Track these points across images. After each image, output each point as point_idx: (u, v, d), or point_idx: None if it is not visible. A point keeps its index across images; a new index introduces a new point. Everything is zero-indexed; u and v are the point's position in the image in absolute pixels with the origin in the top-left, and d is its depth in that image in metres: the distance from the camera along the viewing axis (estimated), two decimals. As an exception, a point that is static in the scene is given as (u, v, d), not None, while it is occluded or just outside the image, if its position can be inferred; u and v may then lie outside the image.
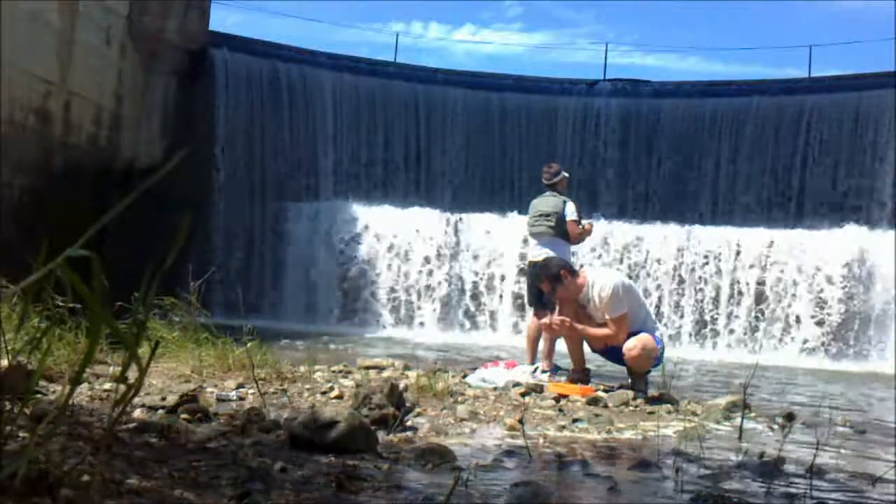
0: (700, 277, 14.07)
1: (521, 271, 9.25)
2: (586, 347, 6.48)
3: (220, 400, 4.28)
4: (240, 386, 4.70)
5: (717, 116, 17.60)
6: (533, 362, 7.23)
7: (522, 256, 9.84)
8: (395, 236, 14.74)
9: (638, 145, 17.92)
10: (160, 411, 3.61)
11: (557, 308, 6.56)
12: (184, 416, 3.47)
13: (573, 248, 8.00)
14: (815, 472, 3.20)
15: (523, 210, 8.64)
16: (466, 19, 57.59)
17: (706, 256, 14.13)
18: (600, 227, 14.79)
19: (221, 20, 42.54)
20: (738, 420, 4.65)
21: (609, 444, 4.04)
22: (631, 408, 5.37)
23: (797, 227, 15.01)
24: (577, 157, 18.09)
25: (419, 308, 14.39)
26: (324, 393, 4.78)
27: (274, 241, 15.52)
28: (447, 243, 14.66)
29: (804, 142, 16.81)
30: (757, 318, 13.67)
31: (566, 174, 8.03)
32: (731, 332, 13.74)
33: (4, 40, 10.17)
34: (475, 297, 14.46)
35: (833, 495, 3.00)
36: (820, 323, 13.31)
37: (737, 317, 13.78)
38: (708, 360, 11.95)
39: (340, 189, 16.79)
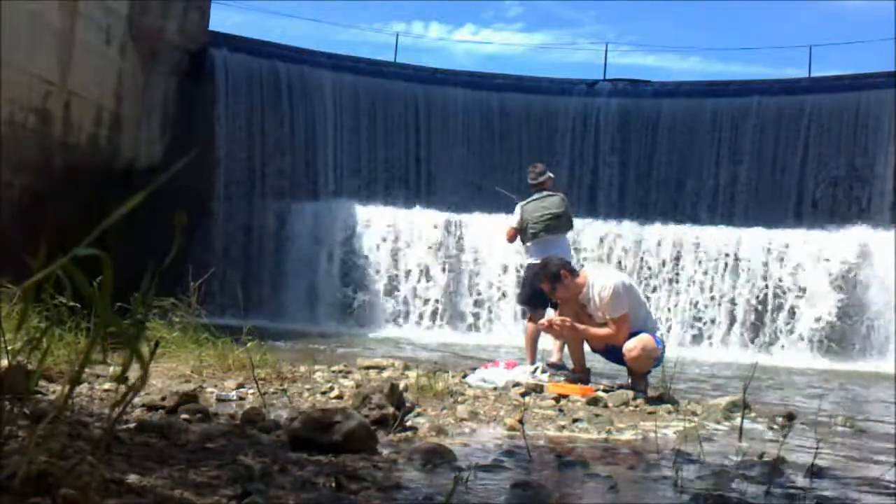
0: (700, 277, 14.07)
1: (520, 272, 9.28)
2: (586, 347, 6.48)
3: (220, 400, 4.28)
4: (240, 386, 4.70)
5: (717, 116, 17.60)
6: (533, 362, 7.23)
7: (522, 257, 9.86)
8: (395, 236, 14.74)
9: (638, 145, 17.92)
10: (160, 411, 3.61)
11: (558, 308, 6.57)
12: (184, 416, 3.47)
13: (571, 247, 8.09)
14: (815, 472, 3.20)
15: (523, 210, 8.66)
16: (467, 19, 57.62)
17: (706, 256, 14.13)
18: (600, 227, 14.83)
19: (221, 20, 42.53)
20: (738, 420, 4.65)
21: (609, 444, 4.04)
22: (631, 408, 5.37)
23: (797, 227, 15.01)
24: (577, 158, 18.10)
25: (419, 308, 14.40)
26: (324, 393, 4.78)
27: (274, 241, 15.52)
28: (447, 243, 14.67)
29: (804, 142, 16.81)
30: (757, 317, 13.67)
31: (551, 174, 8.21)
32: (731, 332, 13.74)
33: (4, 40, 10.16)
34: (475, 297, 14.46)
35: (833, 495, 3.00)
36: (820, 323, 13.31)
37: (737, 316, 13.78)
38: (708, 360, 11.94)
39: (340, 189, 16.79)
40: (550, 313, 7.10)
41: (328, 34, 62.58)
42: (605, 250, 14.41)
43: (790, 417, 5.20)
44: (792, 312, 13.51)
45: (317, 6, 46.32)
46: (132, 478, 1.96)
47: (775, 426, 4.93)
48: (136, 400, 3.58)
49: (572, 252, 8.38)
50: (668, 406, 5.44)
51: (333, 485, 2.35)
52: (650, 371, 6.11)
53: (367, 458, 2.86)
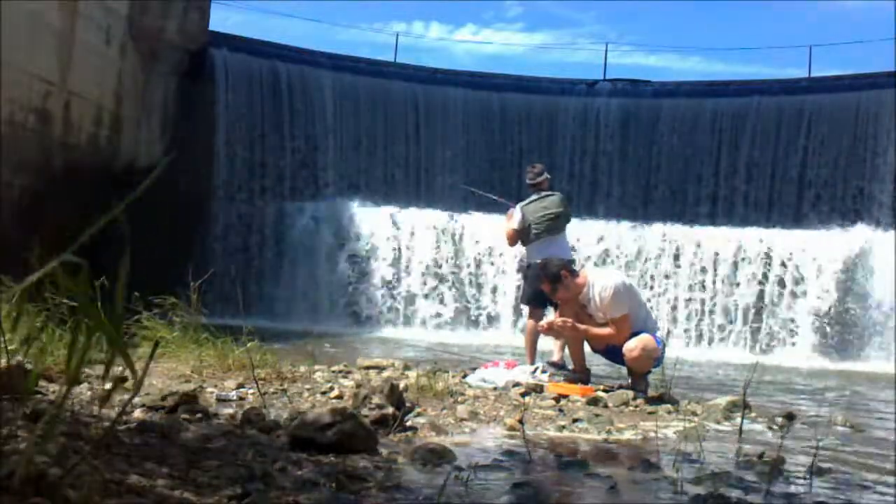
0: (699, 277, 14.06)
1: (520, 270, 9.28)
2: (586, 347, 6.48)
3: (220, 400, 4.28)
4: (240, 386, 4.69)
5: (717, 116, 17.60)
6: (533, 362, 7.23)
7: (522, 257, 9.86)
8: (394, 236, 14.74)
9: (638, 145, 17.91)
10: (160, 411, 3.61)
11: (558, 308, 6.57)
12: (184, 416, 3.47)
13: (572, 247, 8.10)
14: (815, 472, 3.20)
15: (523, 210, 8.68)
16: (467, 19, 57.63)
17: (706, 256, 14.12)
18: (600, 227, 14.82)
19: (221, 20, 42.49)
20: (738, 420, 4.65)
21: (609, 444, 4.04)
22: (631, 408, 5.37)
23: (797, 226, 15.01)
24: (577, 157, 18.10)
25: (419, 308, 14.39)
26: (324, 393, 4.78)
27: (274, 241, 15.51)
28: (447, 243, 14.66)
29: (804, 142, 16.80)
30: (757, 317, 13.67)
31: (548, 175, 8.19)
32: (731, 332, 13.74)
33: (4, 40, 10.16)
34: (475, 297, 14.46)
35: (833, 495, 3.00)
36: (820, 323, 13.31)
37: (737, 317, 13.78)
38: (707, 360, 11.94)
39: (340, 189, 16.78)
40: (551, 314, 7.10)
41: (328, 34, 62.56)
42: (604, 250, 14.40)
43: (790, 417, 5.20)
44: (792, 312, 13.50)
45: (317, 6, 46.34)
46: (132, 478, 1.96)
47: (775, 426, 4.93)
48: (136, 400, 3.58)
49: (572, 252, 8.37)
50: (668, 406, 5.44)
51: (333, 485, 2.34)
52: (650, 371, 6.11)
53: (367, 458, 2.86)
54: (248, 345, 5.14)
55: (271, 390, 4.66)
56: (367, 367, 6.43)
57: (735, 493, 2.84)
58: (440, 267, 14.53)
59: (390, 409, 3.72)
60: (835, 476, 3.38)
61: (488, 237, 14.27)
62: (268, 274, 15.31)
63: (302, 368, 5.64)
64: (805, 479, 3.15)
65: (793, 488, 3.04)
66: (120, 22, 13.80)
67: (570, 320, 6.14)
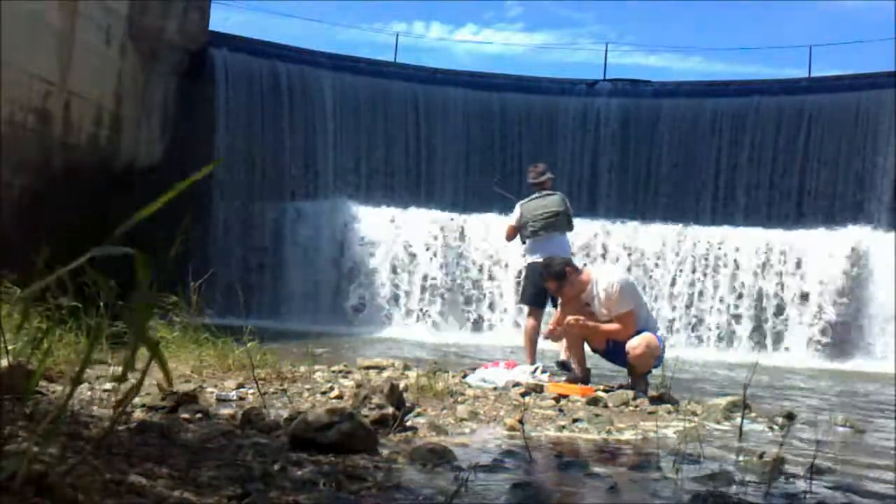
0: (699, 277, 14.07)
1: (520, 272, 9.28)
2: (586, 348, 6.48)
3: (220, 400, 4.28)
4: (240, 386, 4.69)
5: (717, 116, 17.60)
6: (533, 362, 7.23)
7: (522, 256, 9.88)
8: (395, 236, 14.74)
9: (638, 145, 17.91)
10: (160, 411, 3.61)
11: (560, 307, 6.56)
12: (184, 416, 3.47)
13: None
14: (815, 472, 3.20)
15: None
16: (468, 19, 57.61)
17: (706, 256, 14.13)
18: (599, 227, 14.82)
19: (221, 20, 42.52)
20: (738, 420, 4.65)
21: (609, 444, 4.04)
22: (631, 408, 5.37)
23: (797, 226, 15.01)
24: (577, 157, 18.10)
25: (419, 308, 14.39)
26: (324, 393, 4.78)
27: (274, 241, 15.51)
28: (447, 243, 14.66)
29: (804, 142, 16.80)
30: (757, 317, 13.67)
31: (551, 175, 8.28)
32: (731, 331, 13.74)
33: (4, 40, 10.16)
34: (475, 297, 14.46)
35: (833, 495, 3.00)
36: (820, 323, 13.31)
37: (736, 316, 13.78)
38: (708, 359, 11.94)
39: (340, 189, 16.78)
40: (551, 314, 7.10)
41: (328, 34, 62.53)
42: (604, 250, 14.41)
43: (790, 417, 5.20)
44: (792, 312, 13.51)
45: (317, 6, 46.34)
46: (132, 478, 1.96)
47: (775, 426, 4.93)
48: (136, 400, 3.58)
49: (572, 251, 8.38)
50: (668, 406, 5.44)
51: (333, 485, 2.35)
52: (650, 371, 6.11)
53: (367, 458, 2.86)
54: (249, 345, 5.15)
55: (271, 390, 4.66)
56: (367, 367, 6.43)
57: (735, 493, 2.85)
58: (440, 267, 14.53)
59: (390, 409, 3.72)
60: (835, 476, 3.38)
61: (488, 237, 14.28)
62: (268, 273, 15.31)
63: (302, 368, 5.64)
64: (805, 479, 3.15)
65: (793, 488, 3.04)
66: (120, 22, 13.80)
67: (581, 317, 6.12)
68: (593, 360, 6.68)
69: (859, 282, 13.37)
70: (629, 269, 13.85)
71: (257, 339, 5.32)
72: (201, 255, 13.41)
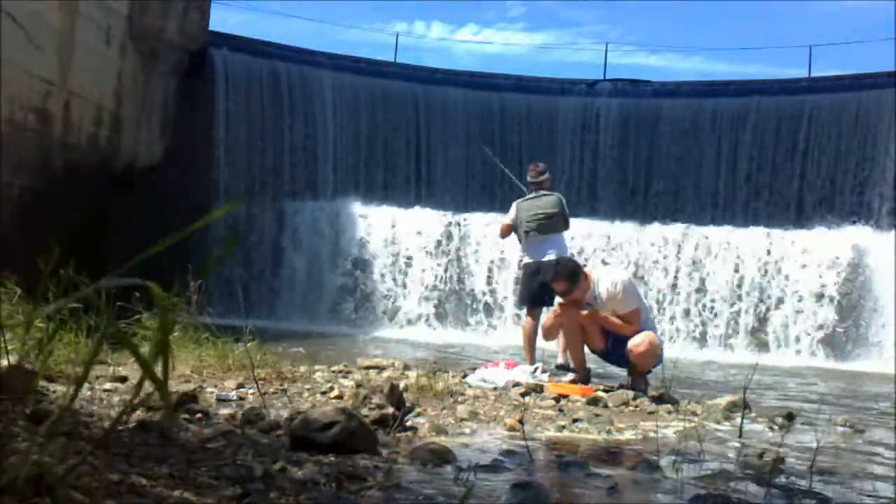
0: (700, 277, 14.06)
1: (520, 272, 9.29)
2: (586, 348, 6.47)
3: (220, 400, 4.28)
4: (240, 386, 4.69)
5: (717, 116, 17.60)
6: (533, 362, 7.23)
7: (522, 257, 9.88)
8: (395, 236, 14.74)
9: (638, 145, 17.91)
10: (160, 411, 3.60)
11: (556, 306, 6.54)
12: (184, 416, 3.47)
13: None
14: (815, 472, 3.20)
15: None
16: (469, 19, 57.63)
17: (706, 256, 14.12)
18: (600, 227, 14.82)
19: (221, 20, 42.48)
20: (738, 420, 4.65)
21: (609, 444, 4.04)
22: (631, 408, 5.37)
23: (797, 226, 15.00)
24: (577, 157, 18.10)
25: (419, 308, 14.39)
26: (324, 393, 4.78)
27: (274, 241, 15.51)
28: (447, 243, 14.66)
29: (804, 142, 16.80)
30: (757, 317, 13.66)
31: (549, 175, 8.28)
32: (731, 331, 13.74)
33: (4, 40, 10.16)
34: (475, 297, 14.46)
35: (833, 495, 3.00)
36: (820, 323, 13.30)
37: (737, 316, 13.78)
38: (708, 359, 11.94)
39: (340, 189, 16.78)
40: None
41: (328, 34, 62.53)
42: (604, 250, 14.40)
43: (790, 417, 5.20)
44: (792, 312, 13.50)
45: (317, 6, 46.28)
46: (132, 478, 1.96)
47: (775, 426, 4.93)
48: (136, 400, 3.57)
49: (570, 252, 8.39)
50: (668, 406, 5.44)
51: (334, 485, 2.35)
52: (650, 371, 6.11)
53: (367, 458, 2.86)
54: (248, 345, 5.15)
55: (271, 390, 4.66)
56: (367, 367, 6.43)
57: (735, 493, 2.85)
58: (440, 267, 14.53)
59: (390, 409, 3.72)
60: (835, 476, 3.38)
61: (489, 237, 14.28)
62: (268, 274, 15.31)
63: (302, 368, 5.64)
64: (805, 479, 3.15)
65: (793, 488, 3.04)
66: (120, 22, 13.80)
67: (590, 306, 6.10)
68: (593, 361, 6.69)
69: (859, 282, 13.37)
70: (628, 269, 13.84)
71: (257, 339, 5.32)
72: (202, 255, 13.41)
